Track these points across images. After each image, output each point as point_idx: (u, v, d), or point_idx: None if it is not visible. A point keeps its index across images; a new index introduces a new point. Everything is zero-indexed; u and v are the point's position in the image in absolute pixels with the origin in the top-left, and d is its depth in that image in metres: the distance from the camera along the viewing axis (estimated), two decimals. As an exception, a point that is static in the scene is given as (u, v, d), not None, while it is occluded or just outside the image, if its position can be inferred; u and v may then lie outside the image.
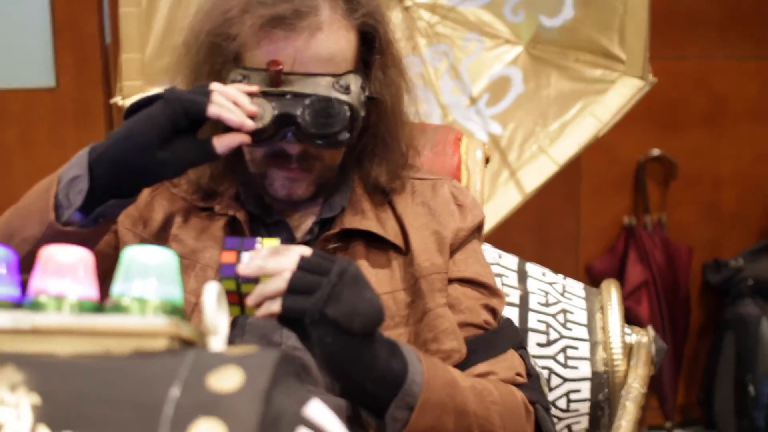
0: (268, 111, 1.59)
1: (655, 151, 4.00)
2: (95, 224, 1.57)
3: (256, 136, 1.60)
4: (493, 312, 1.75)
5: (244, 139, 1.56)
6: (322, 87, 1.61)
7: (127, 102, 3.14)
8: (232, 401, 0.90)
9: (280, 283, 1.41)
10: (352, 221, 1.73)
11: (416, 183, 1.83)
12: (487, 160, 2.18)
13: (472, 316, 1.71)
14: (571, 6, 3.16)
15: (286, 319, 1.43)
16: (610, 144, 3.26)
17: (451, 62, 3.20)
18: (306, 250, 1.45)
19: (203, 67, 1.71)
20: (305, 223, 1.77)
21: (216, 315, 1.06)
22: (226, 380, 0.91)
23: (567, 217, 3.98)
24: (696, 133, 4.01)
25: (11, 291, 1.06)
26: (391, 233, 1.74)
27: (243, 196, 1.76)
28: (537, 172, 3.16)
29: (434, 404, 1.51)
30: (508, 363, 1.70)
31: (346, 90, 1.62)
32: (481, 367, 1.67)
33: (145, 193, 1.77)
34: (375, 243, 1.73)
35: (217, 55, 1.69)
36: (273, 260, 1.44)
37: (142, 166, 1.54)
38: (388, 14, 1.78)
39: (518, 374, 1.70)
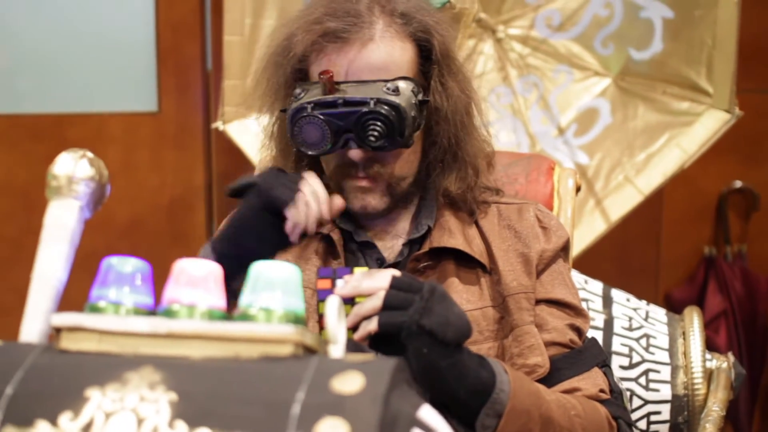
0: (327, 133, 1.71)
1: (738, 183, 4.01)
2: None
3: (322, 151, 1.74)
4: (578, 331, 1.83)
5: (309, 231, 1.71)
6: (372, 92, 1.71)
7: (228, 127, 3.27)
8: (354, 402, 0.99)
9: (375, 301, 1.52)
10: (440, 240, 1.83)
11: (502, 207, 1.91)
12: (578, 189, 2.26)
13: (558, 335, 1.79)
14: (660, 39, 3.22)
15: (379, 341, 1.54)
16: (692, 175, 3.31)
17: (540, 93, 3.28)
18: (396, 273, 1.56)
19: (273, 85, 1.85)
20: (395, 244, 1.87)
21: (336, 326, 1.16)
22: (349, 383, 1.01)
23: (648, 246, 4.01)
24: (778, 166, 4.03)
25: (146, 299, 1.16)
26: (477, 252, 1.83)
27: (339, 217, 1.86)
28: (622, 202, 3.21)
29: (520, 412, 1.59)
30: (592, 380, 1.77)
31: (395, 92, 1.71)
32: (566, 384, 1.75)
33: None
34: (463, 261, 1.82)
35: (281, 73, 1.82)
36: (367, 281, 1.55)
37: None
38: (449, 29, 1.86)
39: (602, 390, 1.77)
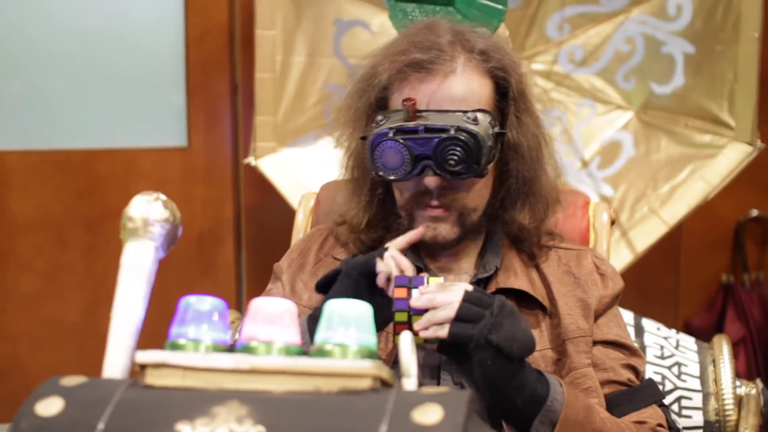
0: (406, 157, 1.77)
1: (754, 212, 4.07)
2: None
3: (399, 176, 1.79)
4: (635, 371, 1.88)
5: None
6: (452, 120, 1.77)
7: (260, 162, 3.33)
8: None
9: (449, 311, 1.59)
10: (506, 281, 1.88)
11: (561, 252, 1.98)
12: (612, 222, 2.32)
13: (616, 374, 1.85)
14: (681, 74, 3.28)
15: (447, 346, 1.61)
16: (710, 204, 3.34)
17: (564, 126, 3.33)
18: (468, 286, 1.63)
19: (355, 112, 1.92)
20: (460, 281, 1.89)
21: (410, 359, 1.22)
22: (429, 415, 1.06)
23: (667, 274, 4.05)
24: (794, 195, 4.07)
25: (223, 336, 1.22)
26: (540, 295, 1.89)
27: (405, 252, 1.91)
28: (647, 233, 3.26)
29: (573, 422, 1.65)
30: (650, 415, 1.82)
31: (474, 121, 1.77)
32: (624, 419, 1.80)
33: (308, 268, 1.99)
34: (525, 303, 1.87)
35: (365, 100, 1.89)
36: (441, 294, 1.61)
37: None
38: (523, 69, 1.93)
39: (660, 425, 1.82)
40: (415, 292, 1.64)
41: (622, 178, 3.34)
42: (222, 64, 3.83)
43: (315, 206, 2.42)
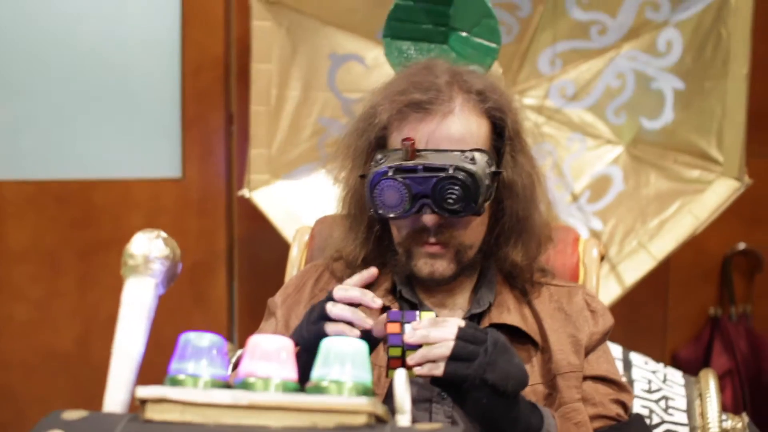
0: (405, 196, 1.81)
1: (741, 245, 4.08)
2: None
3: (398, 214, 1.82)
4: (624, 406, 1.92)
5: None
6: (450, 160, 1.81)
7: (254, 194, 3.36)
8: None
9: (443, 350, 1.61)
10: (499, 317, 1.91)
11: (552, 289, 2.02)
12: (602, 258, 2.36)
13: (605, 409, 1.88)
14: (671, 109, 3.31)
15: (440, 380, 1.63)
16: (697, 238, 3.36)
17: (554, 160, 3.36)
18: (461, 322, 1.65)
19: (354, 151, 1.95)
20: (454, 316, 1.92)
21: (405, 396, 1.25)
22: None
23: (655, 307, 4.06)
24: (781, 228, 4.09)
25: (222, 372, 1.25)
26: (532, 330, 1.92)
27: (399, 286, 1.95)
28: (636, 267, 3.29)
29: None
30: None
31: (472, 161, 1.81)
32: None
33: (303, 304, 2.00)
34: (517, 338, 1.90)
35: (364, 139, 1.93)
36: (435, 330, 1.63)
37: None
38: (518, 109, 1.98)
39: None
40: (407, 327, 1.66)
41: (612, 213, 3.37)
42: (217, 96, 3.84)
43: (309, 241, 2.45)
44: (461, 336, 1.62)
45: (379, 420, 1.17)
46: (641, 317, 3.99)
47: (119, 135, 3.86)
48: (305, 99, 3.38)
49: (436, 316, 1.89)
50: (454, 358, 1.60)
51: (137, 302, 1.38)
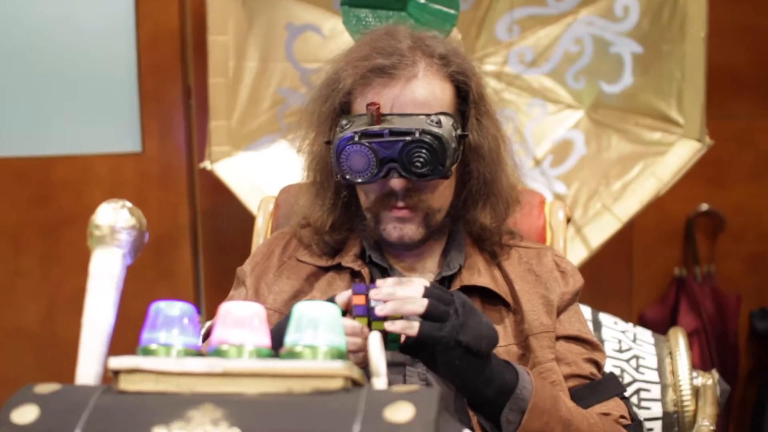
0: (372, 160, 1.81)
1: (704, 206, 4.13)
2: None
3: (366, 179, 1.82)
4: (597, 365, 1.93)
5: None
6: (416, 123, 1.81)
7: (216, 166, 3.34)
8: (408, 430, 1.06)
9: (416, 307, 1.61)
10: (470, 279, 1.92)
11: (521, 251, 2.03)
12: (568, 220, 2.36)
13: (579, 368, 1.89)
14: (630, 73, 3.32)
15: (409, 346, 1.63)
16: (660, 199, 3.38)
17: (516, 126, 3.36)
18: (425, 282, 1.65)
19: (318, 117, 1.95)
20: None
21: (380, 359, 1.25)
22: (401, 413, 1.08)
23: (620, 270, 4.09)
24: (742, 189, 4.14)
25: (194, 340, 1.24)
26: (503, 291, 1.93)
27: (368, 251, 1.95)
28: (601, 229, 3.30)
29: (542, 410, 1.69)
30: (613, 407, 1.87)
31: (437, 124, 1.81)
32: (588, 411, 1.84)
33: (272, 272, 2.01)
34: (489, 300, 1.91)
35: (328, 105, 1.92)
36: (401, 288, 1.63)
37: None
38: (480, 73, 1.98)
39: (623, 417, 1.87)
40: (372, 292, 1.65)
41: (575, 176, 3.38)
42: (174, 69, 3.82)
43: (274, 210, 2.44)
44: (430, 295, 1.62)
45: (356, 384, 1.16)
46: (607, 279, 4.02)
47: (77, 110, 3.84)
48: (263, 70, 3.37)
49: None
50: (426, 317, 1.61)
51: (105, 273, 1.37)
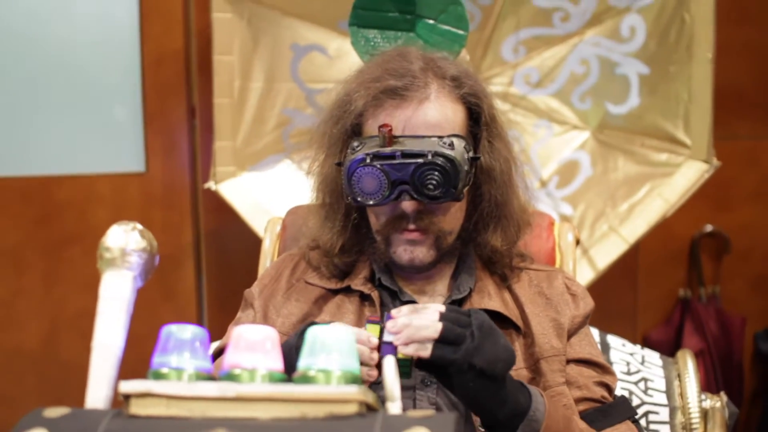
0: (384, 182, 1.79)
1: (709, 227, 4.12)
2: None
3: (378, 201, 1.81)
4: (608, 388, 1.91)
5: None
6: (428, 146, 1.79)
7: (220, 187, 3.34)
8: None
9: (430, 332, 1.57)
10: (480, 302, 1.90)
11: (532, 273, 2.01)
12: (577, 242, 2.35)
13: (590, 392, 1.88)
14: (636, 94, 3.32)
15: (425, 363, 1.60)
16: (665, 220, 3.37)
17: (521, 147, 3.35)
18: (441, 307, 1.62)
19: (329, 139, 1.93)
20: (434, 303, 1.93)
21: (394, 383, 1.24)
22: None
23: (625, 291, 4.08)
24: (747, 210, 4.13)
25: (205, 364, 1.23)
26: (513, 315, 1.91)
27: (378, 273, 1.94)
28: (608, 251, 3.30)
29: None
30: (623, 430, 1.86)
31: (450, 146, 1.80)
32: None
33: (280, 294, 1.99)
34: (499, 323, 1.84)
35: (340, 126, 1.91)
36: (417, 317, 1.60)
37: None
38: (492, 94, 1.97)
39: None
40: (389, 324, 1.61)
41: (581, 197, 3.37)
42: (178, 89, 3.82)
43: (282, 231, 2.43)
44: (446, 318, 1.60)
45: (370, 408, 1.15)
46: (612, 301, 4.01)
47: (81, 130, 3.83)
48: (268, 90, 3.37)
49: (416, 303, 1.88)
50: (441, 341, 1.58)
51: (115, 296, 1.35)
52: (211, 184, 3.38)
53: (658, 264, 4.13)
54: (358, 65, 3.19)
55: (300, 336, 1.65)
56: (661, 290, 4.17)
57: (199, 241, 3.93)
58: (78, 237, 3.81)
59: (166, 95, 3.82)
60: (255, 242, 3.33)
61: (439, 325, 1.58)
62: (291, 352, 1.54)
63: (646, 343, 4.09)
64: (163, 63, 3.80)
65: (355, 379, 1.17)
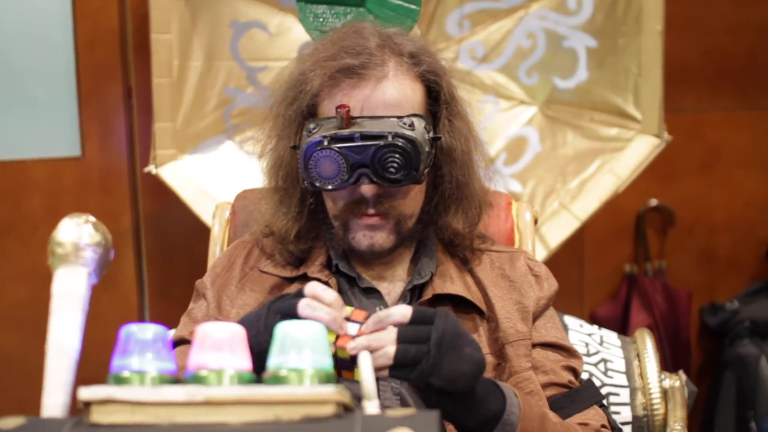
0: (342, 166, 1.73)
1: (654, 201, 4.12)
2: None
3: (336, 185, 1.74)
4: (574, 372, 1.87)
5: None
6: (388, 126, 1.73)
7: (161, 170, 3.26)
8: None
9: (384, 360, 1.48)
10: (442, 287, 1.84)
11: (493, 255, 1.96)
12: (535, 221, 2.31)
13: (556, 376, 1.83)
14: (584, 68, 3.30)
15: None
16: (610, 196, 3.40)
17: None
18: (406, 311, 1.53)
19: (283, 121, 1.86)
20: (393, 289, 1.87)
21: (371, 380, 1.18)
22: None
23: (571, 267, 4.05)
24: (691, 183, 4.13)
25: (169, 365, 1.15)
26: (476, 299, 1.85)
27: (335, 260, 1.87)
28: (560, 228, 3.28)
29: None
30: (593, 416, 1.81)
31: (410, 127, 1.74)
32: (568, 421, 1.78)
33: (234, 284, 1.92)
34: (462, 307, 1.83)
35: (294, 108, 1.83)
36: (376, 337, 1.50)
37: None
38: (451, 72, 1.92)
39: (603, 426, 1.81)
40: (349, 345, 1.51)
41: (530, 174, 3.35)
42: (114, 69, 3.73)
43: (231, 217, 2.35)
44: (403, 338, 1.50)
45: (347, 408, 1.09)
46: (558, 278, 3.89)
47: (13, 114, 3.74)
48: (208, 69, 3.30)
49: (375, 290, 1.86)
50: (396, 365, 1.50)
51: (70, 294, 1.28)
52: (151, 168, 3.31)
53: (604, 239, 4.12)
54: (301, 42, 3.13)
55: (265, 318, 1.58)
56: (607, 266, 4.17)
57: (139, 228, 3.85)
58: (12, 226, 3.71)
59: (101, 76, 3.74)
60: (196, 227, 3.27)
61: (392, 351, 1.49)
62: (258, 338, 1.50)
63: (594, 319, 4.09)
64: (98, 42, 3.71)
65: (329, 378, 1.12)
